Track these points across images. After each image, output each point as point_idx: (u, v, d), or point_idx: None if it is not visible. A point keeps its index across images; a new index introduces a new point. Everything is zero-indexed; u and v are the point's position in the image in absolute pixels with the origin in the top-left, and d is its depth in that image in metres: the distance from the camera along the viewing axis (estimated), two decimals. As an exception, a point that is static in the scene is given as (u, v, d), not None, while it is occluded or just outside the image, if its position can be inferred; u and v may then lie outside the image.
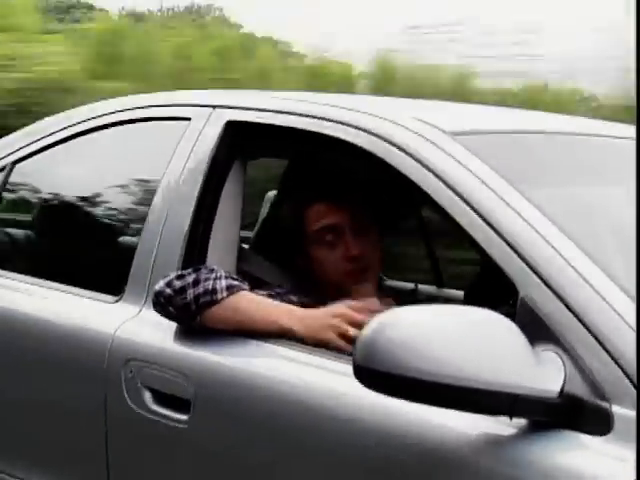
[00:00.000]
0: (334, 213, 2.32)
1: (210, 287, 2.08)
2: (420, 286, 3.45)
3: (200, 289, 2.07)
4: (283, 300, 2.27)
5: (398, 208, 2.88)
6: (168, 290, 2.09)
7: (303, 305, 2.30)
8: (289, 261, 2.43)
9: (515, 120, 2.50)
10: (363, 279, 2.32)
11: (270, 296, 2.25)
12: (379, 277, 3.40)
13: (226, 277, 2.11)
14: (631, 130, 2.53)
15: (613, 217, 1.98)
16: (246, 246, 2.62)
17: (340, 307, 2.04)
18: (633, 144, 2.29)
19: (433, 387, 1.50)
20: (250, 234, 2.79)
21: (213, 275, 2.10)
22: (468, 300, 2.73)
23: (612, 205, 2.03)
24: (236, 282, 2.12)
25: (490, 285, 1.84)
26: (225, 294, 2.07)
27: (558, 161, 2.07)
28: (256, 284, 2.35)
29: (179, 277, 2.11)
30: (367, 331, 1.55)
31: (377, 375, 1.53)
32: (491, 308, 1.68)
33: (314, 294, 2.34)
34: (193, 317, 2.08)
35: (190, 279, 2.09)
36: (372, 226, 2.37)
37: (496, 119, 2.45)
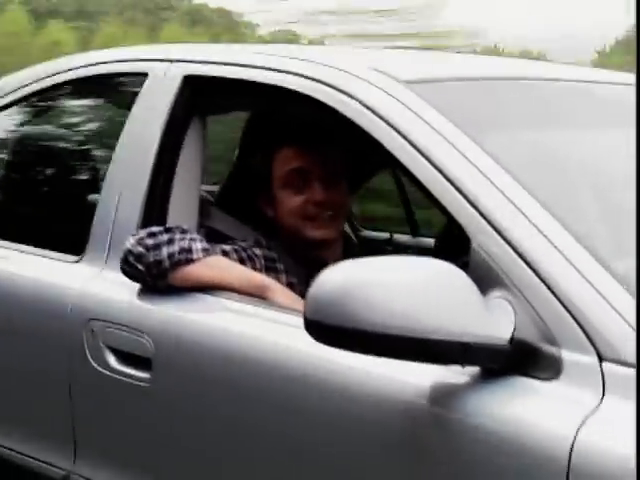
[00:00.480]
0: (303, 157, 2.31)
1: (186, 246, 2.07)
2: (395, 235, 3.46)
3: (175, 247, 2.07)
4: (247, 254, 2.27)
5: (367, 161, 2.87)
6: (140, 248, 2.07)
7: (266, 259, 2.31)
8: (254, 214, 2.41)
9: (477, 66, 2.47)
10: (326, 224, 2.31)
11: (234, 250, 2.25)
12: (352, 227, 3.43)
13: (200, 240, 2.12)
14: (597, 74, 2.53)
15: (571, 163, 1.97)
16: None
17: None
18: (596, 87, 2.29)
19: (383, 338, 1.49)
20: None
21: (188, 236, 2.10)
22: (438, 249, 2.73)
23: (571, 151, 2.01)
24: (210, 246, 2.12)
25: (457, 234, 1.83)
26: (201, 254, 2.08)
27: (515, 107, 2.05)
28: (220, 239, 2.35)
29: (151, 235, 2.10)
30: (316, 285, 1.54)
31: (327, 329, 1.52)
32: (459, 255, 1.67)
33: (278, 247, 2.34)
34: (163, 275, 2.07)
35: (165, 238, 2.08)
36: (340, 177, 2.35)
37: (458, 66, 2.41)
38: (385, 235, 3.48)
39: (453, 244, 1.87)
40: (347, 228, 3.37)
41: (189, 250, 2.07)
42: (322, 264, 1.96)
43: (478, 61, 2.72)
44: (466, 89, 2.06)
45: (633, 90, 1.87)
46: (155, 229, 2.12)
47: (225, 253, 2.21)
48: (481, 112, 1.97)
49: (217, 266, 2.11)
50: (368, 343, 1.51)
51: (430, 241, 3.13)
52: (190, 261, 2.07)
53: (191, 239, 2.10)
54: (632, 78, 2.16)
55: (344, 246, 2.43)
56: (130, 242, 2.09)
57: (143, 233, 2.11)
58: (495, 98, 2.06)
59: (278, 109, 2.42)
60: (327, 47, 2.79)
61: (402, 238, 3.44)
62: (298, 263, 2.32)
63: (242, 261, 2.23)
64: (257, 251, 2.29)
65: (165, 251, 2.06)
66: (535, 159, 1.88)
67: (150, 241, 2.08)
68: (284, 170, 2.32)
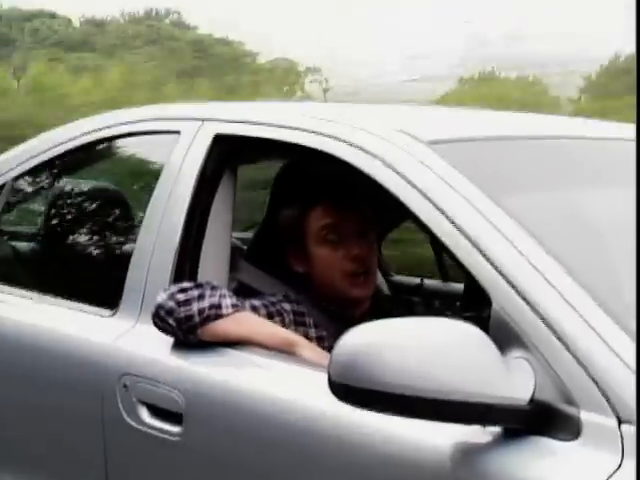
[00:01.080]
0: (338, 213, 2.35)
1: (216, 302, 2.13)
2: (426, 281, 3.49)
3: (205, 303, 2.12)
4: (276, 308, 2.32)
5: (392, 213, 2.91)
6: (171, 303, 2.13)
7: (295, 313, 2.35)
8: (284, 269, 2.46)
9: (502, 124, 2.50)
10: (362, 282, 2.35)
11: (263, 305, 2.29)
12: (382, 272, 3.46)
13: (230, 296, 2.17)
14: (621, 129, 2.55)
15: (593, 223, 2.00)
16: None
17: None
18: (621, 144, 2.32)
19: (406, 400, 1.53)
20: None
21: (218, 292, 2.16)
22: (467, 295, 2.76)
23: (594, 211, 2.04)
24: (240, 302, 2.18)
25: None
26: (231, 310, 2.13)
27: (538, 167, 2.09)
28: (249, 293, 2.40)
29: (182, 290, 2.15)
30: (341, 347, 1.58)
31: (352, 390, 1.57)
32: (486, 304, 1.71)
33: (306, 301, 2.38)
34: (193, 330, 2.12)
35: (195, 293, 2.14)
36: (372, 229, 2.40)
37: (479, 125, 2.45)
38: (416, 281, 3.52)
39: (480, 293, 1.90)
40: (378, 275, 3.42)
41: (219, 306, 2.12)
42: (351, 318, 2.02)
43: (504, 119, 2.75)
44: (489, 149, 2.10)
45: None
46: (186, 285, 2.18)
47: (254, 308, 2.25)
48: (504, 172, 2.01)
49: (246, 322, 2.15)
50: (391, 404, 1.55)
51: (460, 286, 3.16)
52: (219, 317, 2.12)
53: (221, 295, 2.15)
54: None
55: (373, 298, 2.47)
56: (162, 297, 2.15)
57: (175, 288, 2.17)
58: (518, 157, 2.10)
59: (308, 165, 2.48)
60: (355, 105, 2.83)
61: (433, 284, 3.47)
62: (327, 317, 2.36)
63: (271, 316, 2.28)
64: (286, 306, 2.33)
65: (195, 307, 2.12)
66: (556, 220, 1.92)
67: (181, 296, 2.14)
68: (319, 225, 2.36)
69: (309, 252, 2.38)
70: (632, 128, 2.40)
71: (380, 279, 3.40)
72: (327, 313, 2.37)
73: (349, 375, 1.56)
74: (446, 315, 1.94)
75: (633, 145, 2.21)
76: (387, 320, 1.62)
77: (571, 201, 2.03)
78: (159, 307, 2.14)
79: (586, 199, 2.05)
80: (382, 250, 3.51)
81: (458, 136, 2.13)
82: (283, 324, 2.29)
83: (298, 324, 2.33)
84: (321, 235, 2.36)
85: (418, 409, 1.55)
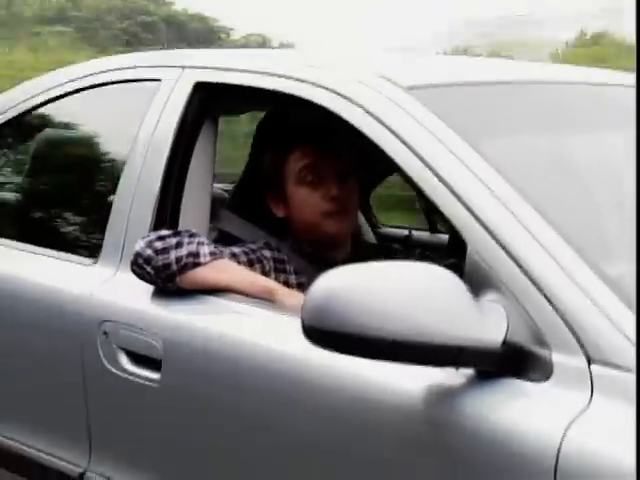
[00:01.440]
0: (316, 155, 2.35)
1: (194, 250, 2.12)
2: (414, 232, 3.49)
3: (183, 251, 2.12)
4: (256, 255, 2.32)
5: (377, 163, 2.90)
6: (149, 251, 2.13)
7: (275, 260, 2.35)
8: (265, 216, 2.46)
9: (485, 70, 2.49)
10: (341, 221, 2.35)
11: (244, 252, 2.30)
12: (370, 224, 3.46)
13: (208, 244, 2.17)
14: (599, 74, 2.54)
15: (569, 166, 1.99)
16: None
17: None
18: (597, 89, 2.31)
19: (378, 342, 1.53)
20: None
21: (196, 240, 2.15)
22: (451, 243, 2.76)
23: (571, 154, 2.04)
24: (218, 250, 2.17)
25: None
26: (208, 258, 2.12)
27: (517, 111, 2.08)
28: (230, 241, 2.40)
29: (160, 238, 2.15)
30: (313, 291, 1.58)
31: (325, 334, 1.56)
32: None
33: (287, 248, 2.38)
34: (171, 278, 2.12)
35: (173, 241, 2.14)
36: (351, 174, 2.40)
37: (461, 71, 2.44)
38: (404, 232, 3.52)
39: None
40: (365, 226, 3.42)
41: (197, 254, 2.12)
42: (331, 263, 2.01)
43: (489, 64, 2.74)
44: (469, 94, 2.09)
45: (632, 91, 1.90)
46: (164, 232, 2.17)
47: (234, 256, 2.26)
48: (483, 117, 2.00)
49: (225, 270, 2.15)
50: (363, 347, 1.55)
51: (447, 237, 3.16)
52: (198, 265, 2.12)
53: (199, 243, 2.15)
54: (631, 79, 2.18)
55: (354, 245, 2.47)
56: (140, 245, 2.15)
57: (153, 236, 2.16)
58: (498, 102, 2.09)
59: (289, 112, 2.46)
60: (337, 53, 2.79)
61: (421, 235, 3.47)
62: (308, 263, 2.36)
63: (251, 263, 2.28)
64: (266, 253, 2.34)
65: (173, 255, 2.11)
66: (532, 163, 1.91)
67: (159, 244, 2.13)
68: (298, 167, 2.35)
69: (288, 195, 2.38)
70: (619, 75, 2.40)
71: (368, 230, 3.41)
72: (308, 259, 2.37)
73: (321, 318, 1.55)
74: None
75: (617, 90, 2.20)
76: (359, 264, 1.62)
77: (550, 146, 2.02)
78: (137, 255, 2.14)
79: (567, 144, 2.04)
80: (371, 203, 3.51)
81: (437, 81, 2.11)
82: (263, 271, 2.29)
83: (279, 271, 2.34)
84: (300, 177, 2.35)
85: (390, 352, 1.55)
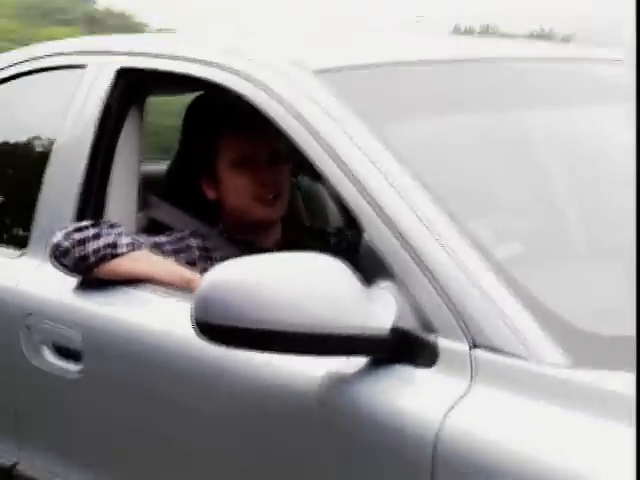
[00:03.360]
0: (248, 140, 2.33)
1: (112, 241, 2.10)
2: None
3: (101, 242, 2.10)
4: (185, 244, 2.29)
5: None
6: (66, 243, 2.10)
7: (202, 249, 2.32)
8: (197, 201, 2.43)
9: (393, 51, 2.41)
10: (270, 206, 2.33)
11: (169, 242, 2.27)
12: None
13: (127, 234, 2.15)
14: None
15: (470, 149, 1.95)
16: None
17: None
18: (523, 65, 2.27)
19: (267, 335, 1.52)
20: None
21: (115, 230, 2.14)
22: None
23: (473, 137, 2.00)
24: (137, 240, 2.15)
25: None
26: (125, 249, 2.10)
27: (424, 93, 2.03)
28: (160, 230, 2.37)
29: (78, 230, 2.13)
30: (202, 287, 1.56)
31: (214, 328, 1.55)
32: None
33: (217, 235, 2.35)
34: (89, 269, 2.10)
35: (91, 232, 2.11)
36: (282, 159, 2.37)
37: (377, 51, 2.38)
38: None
39: None
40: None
41: (114, 245, 2.10)
42: (260, 250, 1.99)
43: (408, 43, 2.64)
44: (378, 76, 2.03)
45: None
46: (83, 224, 2.15)
47: (158, 245, 2.23)
48: (389, 100, 1.96)
49: (142, 260, 2.13)
50: (253, 340, 1.54)
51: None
52: (116, 256, 2.09)
53: (118, 234, 2.12)
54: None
55: (286, 231, 2.44)
56: (57, 237, 2.12)
57: (71, 227, 2.14)
58: (411, 84, 2.04)
59: (218, 95, 2.43)
60: (257, 36, 2.72)
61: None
62: (236, 250, 2.33)
63: (177, 252, 2.25)
64: (193, 241, 2.31)
65: (90, 246, 2.09)
66: (432, 147, 1.88)
67: (77, 236, 2.11)
68: (227, 151, 2.33)
69: (220, 179, 2.35)
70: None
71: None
72: (239, 247, 2.34)
73: (210, 314, 1.54)
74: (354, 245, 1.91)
75: (529, 65, 2.16)
76: (249, 257, 1.60)
77: (449, 127, 1.98)
78: (55, 247, 2.12)
79: (474, 127, 1.99)
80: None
81: (346, 64, 2.07)
82: (189, 260, 2.26)
83: (205, 259, 2.31)
84: (229, 160, 2.33)
85: (279, 343, 1.54)
